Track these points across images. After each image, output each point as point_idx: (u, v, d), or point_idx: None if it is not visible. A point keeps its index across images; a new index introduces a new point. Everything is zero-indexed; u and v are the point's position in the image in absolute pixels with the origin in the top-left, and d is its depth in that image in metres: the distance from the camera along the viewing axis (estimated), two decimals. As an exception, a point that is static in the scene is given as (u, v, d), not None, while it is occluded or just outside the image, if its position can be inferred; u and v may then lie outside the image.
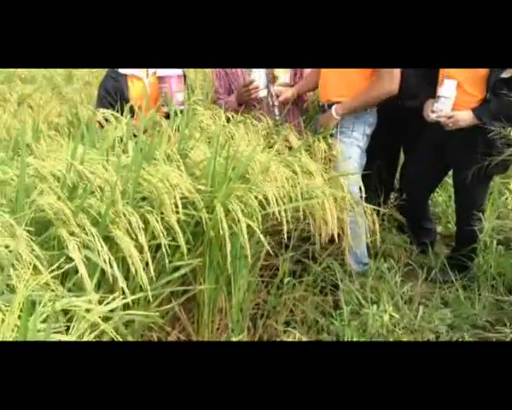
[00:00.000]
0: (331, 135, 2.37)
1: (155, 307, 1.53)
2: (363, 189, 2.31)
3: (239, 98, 2.46)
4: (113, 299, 1.15)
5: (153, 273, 1.39)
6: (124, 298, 1.20)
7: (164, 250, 1.42)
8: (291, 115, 2.56)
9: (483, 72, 2.13)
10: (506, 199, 2.59)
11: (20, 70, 5.56)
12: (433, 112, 2.27)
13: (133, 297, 1.29)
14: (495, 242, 2.46)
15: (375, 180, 2.64)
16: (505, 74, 2.07)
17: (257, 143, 1.79)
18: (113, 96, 2.32)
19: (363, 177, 2.43)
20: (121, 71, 2.37)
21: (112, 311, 1.18)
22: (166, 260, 1.46)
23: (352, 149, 2.39)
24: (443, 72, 2.28)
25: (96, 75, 4.92)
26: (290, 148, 2.19)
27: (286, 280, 2.09)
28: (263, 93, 2.42)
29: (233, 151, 1.62)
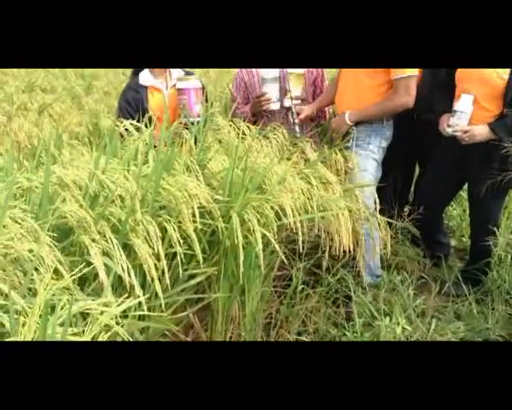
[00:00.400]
0: (347, 147, 2.40)
1: (170, 315, 1.56)
2: (377, 201, 2.33)
3: (253, 109, 2.52)
4: (127, 300, 1.18)
5: (168, 281, 1.42)
6: (140, 305, 1.23)
7: (179, 259, 1.45)
8: (308, 128, 2.60)
9: (500, 87, 2.14)
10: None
11: (40, 80, 5.71)
12: (449, 126, 2.28)
13: (148, 305, 1.33)
14: (509, 256, 2.44)
15: (390, 193, 2.66)
16: None
17: (274, 154, 1.82)
18: (134, 107, 2.38)
19: (379, 189, 2.44)
20: (142, 82, 2.43)
21: (125, 313, 1.22)
22: (181, 269, 1.49)
23: (367, 161, 2.41)
24: (460, 86, 2.29)
25: (115, 86, 5.02)
26: (306, 160, 2.21)
27: (299, 288, 2.10)
28: (275, 106, 2.47)
29: (250, 163, 1.65)
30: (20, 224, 1.13)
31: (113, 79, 5.69)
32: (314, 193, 1.79)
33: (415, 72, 2.26)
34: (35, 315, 1.05)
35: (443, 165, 2.53)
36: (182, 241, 1.48)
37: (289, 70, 2.47)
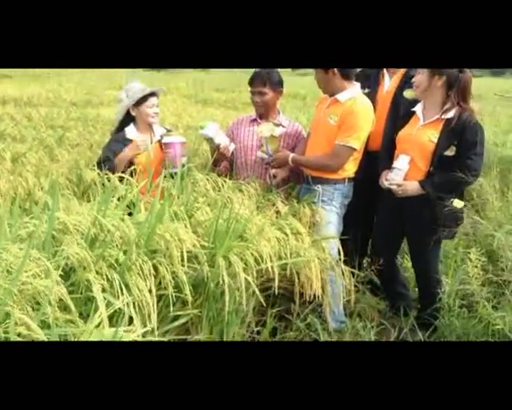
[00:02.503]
0: (313, 203, 2.64)
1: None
2: (341, 252, 2.55)
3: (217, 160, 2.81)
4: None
5: (155, 323, 1.54)
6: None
7: (170, 299, 1.59)
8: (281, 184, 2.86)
9: (431, 149, 2.46)
10: (467, 267, 2.85)
11: (10, 129, 5.77)
12: (387, 180, 2.58)
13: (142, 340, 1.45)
14: (457, 303, 2.68)
15: (352, 245, 2.89)
16: (449, 152, 2.42)
17: (253, 206, 2.03)
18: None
19: (341, 241, 2.68)
20: (128, 136, 2.62)
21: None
22: (171, 308, 1.63)
23: (331, 215, 2.66)
24: (399, 147, 2.60)
25: (86, 137, 5.16)
26: (277, 212, 2.43)
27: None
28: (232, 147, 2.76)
29: (233, 214, 1.84)
30: (36, 263, 1.25)
31: (84, 131, 5.82)
32: (288, 242, 1.99)
33: (355, 145, 2.56)
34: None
35: (384, 218, 2.81)
36: (170, 282, 1.63)
37: (266, 134, 2.73)
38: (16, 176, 3.20)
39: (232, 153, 2.87)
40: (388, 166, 2.63)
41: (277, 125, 2.81)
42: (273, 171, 2.76)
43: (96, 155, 4.16)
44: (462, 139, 2.37)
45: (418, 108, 2.54)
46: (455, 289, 2.89)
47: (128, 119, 2.76)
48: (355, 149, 2.58)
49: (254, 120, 2.98)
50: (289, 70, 71.90)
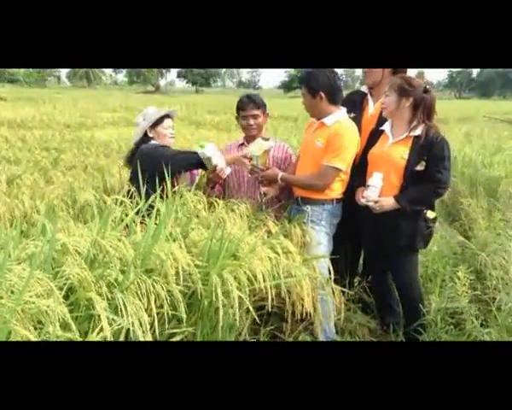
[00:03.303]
0: (303, 223, 2.72)
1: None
2: (332, 271, 2.62)
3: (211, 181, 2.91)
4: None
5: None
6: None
7: (166, 317, 1.65)
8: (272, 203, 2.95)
9: (402, 166, 2.57)
10: (455, 284, 2.93)
11: (4, 151, 5.83)
12: (363, 197, 2.68)
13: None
14: (445, 320, 2.75)
15: (342, 264, 2.96)
16: (419, 167, 2.54)
17: (245, 226, 2.10)
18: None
19: (332, 261, 2.74)
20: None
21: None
22: (167, 326, 1.68)
23: (321, 235, 2.73)
24: (371, 165, 2.71)
25: (81, 159, 5.24)
26: (268, 231, 2.50)
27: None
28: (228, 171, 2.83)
29: (226, 234, 1.91)
30: (39, 283, 1.31)
31: (78, 153, 5.90)
32: (279, 261, 2.05)
33: (341, 166, 2.66)
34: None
35: (367, 235, 2.89)
36: (164, 301, 1.68)
37: (258, 153, 2.82)
38: (12, 198, 3.26)
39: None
40: (363, 183, 2.74)
41: (265, 139, 2.93)
42: (264, 189, 2.85)
43: (91, 177, 4.25)
44: (430, 155, 2.51)
45: (386, 127, 2.67)
46: (443, 307, 2.97)
47: (147, 139, 2.87)
48: (341, 170, 2.68)
49: (242, 144, 3.10)
50: (281, 93, 72.15)
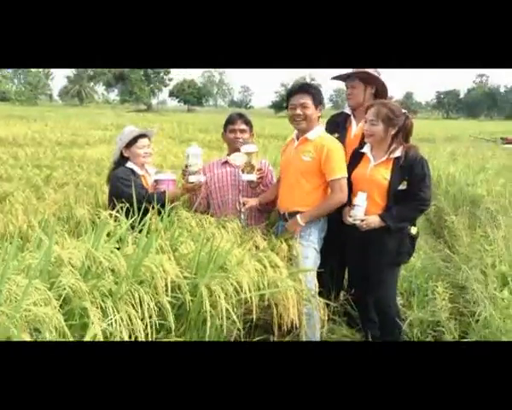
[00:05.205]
0: (291, 238, 2.82)
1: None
2: (317, 285, 2.71)
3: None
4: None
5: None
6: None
7: (154, 327, 1.73)
8: (257, 220, 3.04)
9: (385, 186, 2.71)
10: (435, 299, 3.03)
11: (-3, 168, 5.89)
12: (350, 216, 2.80)
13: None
14: (422, 332, 2.84)
15: (328, 278, 3.06)
16: (401, 186, 2.67)
17: (233, 240, 2.19)
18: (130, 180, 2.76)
19: (318, 275, 2.84)
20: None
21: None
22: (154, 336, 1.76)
23: (309, 250, 2.83)
24: (355, 186, 2.83)
25: (73, 177, 5.31)
26: (257, 247, 2.60)
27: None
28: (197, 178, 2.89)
29: (214, 247, 2.01)
30: (37, 292, 1.39)
31: (70, 171, 5.97)
32: (266, 273, 2.15)
33: (344, 173, 2.78)
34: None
35: (353, 251, 3.00)
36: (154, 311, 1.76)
37: (239, 162, 2.96)
38: (6, 214, 3.33)
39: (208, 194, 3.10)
40: (348, 203, 2.85)
41: (245, 144, 3.00)
42: (243, 199, 2.96)
43: (83, 194, 4.32)
44: (411, 174, 2.65)
45: (367, 150, 2.80)
46: (425, 320, 3.07)
47: (123, 160, 2.97)
48: (346, 176, 2.80)
49: (225, 162, 3.19)
50: (272, 112, 71.87)
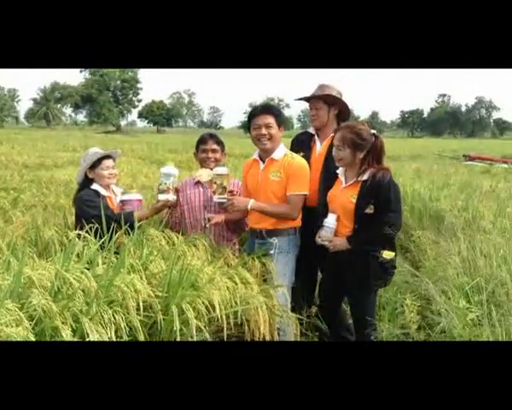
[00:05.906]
0: (266, 255, 2.84)
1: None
2: (289, 300, 2.75)
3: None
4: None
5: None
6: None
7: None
8: (228, 239, 3.08)
9: (352, 208, 2.72)
10: (403, 313, 3.12)
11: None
12: (319, 237, 2.84)
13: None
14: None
15: (298, 294, 3.10)
16: (368, 210, 2.67)
17: (205, 257, 2.22)
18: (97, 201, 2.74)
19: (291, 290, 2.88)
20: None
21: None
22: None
23: (287, 267, 2.89)
24: (330, 206, 2.88)
25: (41, 199, 5.24)
26: (228, 264, 2.63)
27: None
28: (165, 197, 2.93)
29: (185, 265, 2.03)
30: (9, 313, 1.39)
31: (38, 193, 5.88)
32: (237, 290, 2.18)
33: (304, 192, 2.85)
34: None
35: (329, 272, 3.05)
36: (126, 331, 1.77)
37: (204, 179, 3.02)
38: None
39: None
40: (321, 224, 2.91)
41: (217, 166, 3.04)
42: (208, 215, 2.99)
43: (52, 216, 4.26)
44: (377, 199, 2.63)
45: (340, 172, 2.84)
46: (395, 333, 3.14)
47: (88, 182, 2.96)
48: (306, 195, 2.86)
49: (198, 182, 3.19)
50: (242, 132, 72.30)
